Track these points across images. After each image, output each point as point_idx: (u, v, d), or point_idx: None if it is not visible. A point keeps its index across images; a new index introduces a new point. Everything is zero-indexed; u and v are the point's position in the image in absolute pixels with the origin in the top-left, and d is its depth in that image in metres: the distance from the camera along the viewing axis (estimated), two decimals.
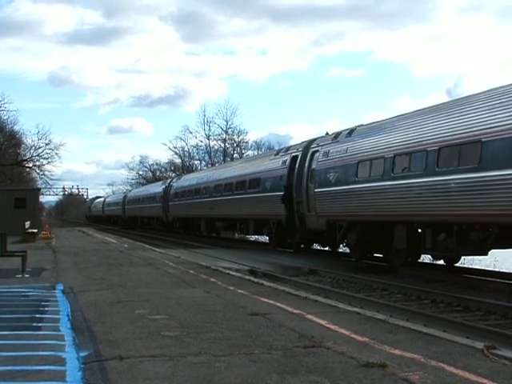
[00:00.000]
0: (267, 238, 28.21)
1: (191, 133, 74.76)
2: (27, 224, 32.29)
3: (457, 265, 17.42)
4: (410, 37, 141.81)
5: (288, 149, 26.07)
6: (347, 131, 20.29)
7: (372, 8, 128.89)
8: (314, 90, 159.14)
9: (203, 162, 75.41)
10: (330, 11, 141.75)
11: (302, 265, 18.40)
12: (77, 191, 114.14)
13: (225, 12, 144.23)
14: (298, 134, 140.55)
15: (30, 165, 62.40)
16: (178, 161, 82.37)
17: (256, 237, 36.93)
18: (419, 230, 16.23)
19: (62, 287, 11.86)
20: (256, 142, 74.13)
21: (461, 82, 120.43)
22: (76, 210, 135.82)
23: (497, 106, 13.13)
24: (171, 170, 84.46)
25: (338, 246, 22.46)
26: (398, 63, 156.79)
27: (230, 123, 71.03)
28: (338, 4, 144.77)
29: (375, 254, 19.49)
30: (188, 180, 42.49)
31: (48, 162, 60.01)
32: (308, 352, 6.26)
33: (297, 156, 23.55)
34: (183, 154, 79.43)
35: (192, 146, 76.30)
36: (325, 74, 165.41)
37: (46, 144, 59.35)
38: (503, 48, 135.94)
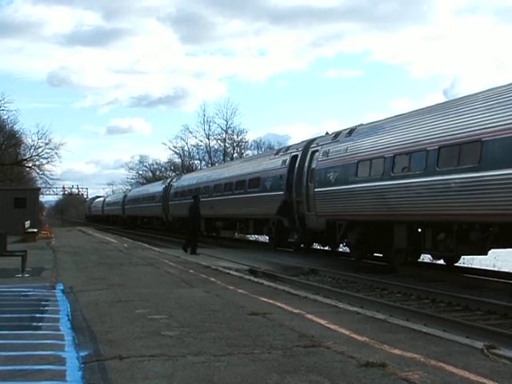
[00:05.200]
0: (267, 237, 28.19)
1: (191, 132, 74.84)
2: (27, 224, 32.31)
3: (457, 264, 17.41)
4: (408, 38, 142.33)
5: (288, 148, 26.06)
6: (347, 131, 20.28)
7: (369, 10, 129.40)
8: (313, 91, 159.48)
9: (203, 162, 75.48)
10: (328, 13, 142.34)
11: (302, 264, 18.39)
12: (76, 191, 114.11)
13: (223, 13, 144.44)
14: (297, 134, 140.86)
15: (30, 164, 62.42)
16: (177, 160, 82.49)
17: (256, 236, 36.92)
18: (419, 230, 16.22)
19: (61, 287, 11.86)
20: (256, 142, 74.21)
21: (457, 83, 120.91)
22: (76, 210, 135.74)
23: (497, 105, 13.12)
24: (171, 170, 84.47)
25: (338, 246, 22.45)
26: (395, 64, 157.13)
27: (229, 123, 71.12)
28: (336, 6, 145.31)
29: (375, 254, 19.48)
30: (188, 180, 42.46)
31: (48, 162, 60.03)
32: (308, 351, 6.25)
33: (297, 156, 23.53)
34: (183, 153, 79.53)
35: (192, 145, 76.39)
36: (323, 74, 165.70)
37: (46, 144, 59.37)
38: (500, 49, 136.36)
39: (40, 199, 64.92)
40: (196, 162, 78.23)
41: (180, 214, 42.38)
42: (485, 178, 12.92)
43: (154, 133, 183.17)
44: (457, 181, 13.79)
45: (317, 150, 21.66)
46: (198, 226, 24.39)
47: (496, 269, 18.70)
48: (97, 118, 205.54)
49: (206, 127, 72.95)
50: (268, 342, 6.73)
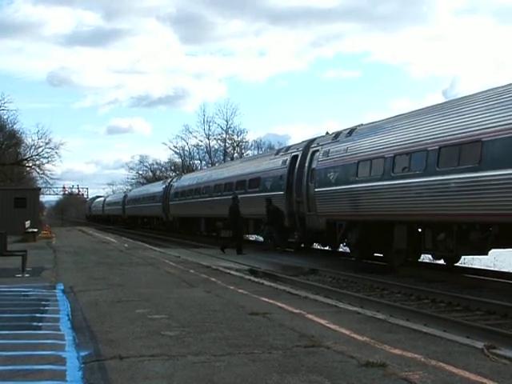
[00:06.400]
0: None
1: (191, 132, 74.90)
2: (27, 223, 32.33)
3: (457, 264, 17.41)
4: (407, 38, 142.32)
5: (288, 148, 26.05)
6: (347, 131, 20.28)
7: (369, 10, 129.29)
8: (313, 91, 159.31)
9: (203, 162, 75.54)
10: (327, 13, 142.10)
11: (302, 264, 18.38)
12: (77, 191, 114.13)
13: (223, 14, 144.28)
14: (297, 134, 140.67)
15: (30, 164, 62.46)
16: (178, 160, 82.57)
17: (256, 236, 36.89)
18: (419, 230, 16.22)
19: (62, 287, 11.87)
20: (256, 142, 74.31)
21: (457, 83, 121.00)
22: (76, 210, 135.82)
23: (497, 105, 13.12)
24: (171, 170, 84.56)
25: (338, 246, 22.43)
26: (395, 64, 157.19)
27: (230, 123, 71.17)
28: (335, 6, 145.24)
29: (375, 254, 19.48)
30: (188, 180, 42.46)
31: (48, 162, 60.11)
32: (308, 351, 6.25)
33: (297, 156, 23.53)
34: (183, 153, 79.59)
35: (192, 145, 76.47)
36: (323, 74, 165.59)
37: (46, 143, 59.46)
38: (499, 49, 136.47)
39: (40, 199, 64.95)
40: (196, 162, 78.46)
41: (180, 214, 42.45)
42: (485, 178, 12.91)
43: (154, 133, 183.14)
44: (457, 181, 13.79)
45: (317, 150, 21.65)
46: (239, 226, 24.40)
47: (496, 269, 18.69)
48: (97, 118, 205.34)
49: (206, 127, 73.11)
50: (268, 341, 6.73)
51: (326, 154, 20.61)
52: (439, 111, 15.47)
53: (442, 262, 17.51)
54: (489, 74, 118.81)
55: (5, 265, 16.10)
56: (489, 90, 14.24)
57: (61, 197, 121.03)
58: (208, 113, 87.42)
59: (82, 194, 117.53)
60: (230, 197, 25.78)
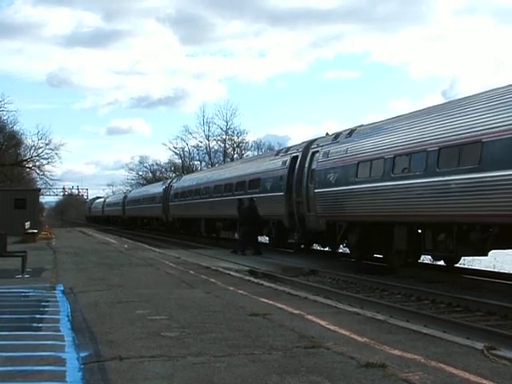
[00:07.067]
0: (267, 238, 28.20)
1: (190, 133, 74.87)
2: (27, 224, 32.27)
3: (457, 265, 17.41)
4: (407, 39, 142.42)
5: (288, 149, 26.07)
6: (347, 132, 20.28)
7: (368, 11, 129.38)
8: (313, 92, 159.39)
9: (203, 163, 75.52)
10: (327, 14, 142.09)
11: (302, 265, 18.39)
12: (77, 191, 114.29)
13: (223, 15, 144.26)
14: (297, 134, 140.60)
15: (30, 165, 62.45)
16: (178, 161, 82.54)
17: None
18: (419, 231, 16.22)
19: (61, 287, 11.86)
20: (256, 143, 74.28)
21: (456, 84, 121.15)
22: (76, 211, 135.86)
23: (497, 106, 13.12)
24: (171, 171, 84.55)
25: (338, 247, 22.44)
26: (395, 65, 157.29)
27: (229, 123, 71.15)
28: (335, 7, 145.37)
29: (375, 255, 19.48)
30: (188, 180, 42.47)
31: (48, 162, 60.06)
32: (308, 352, 6.25)
33: (297, 156, 23.54)
34: (183, 154, 79.57)
35: (192, 146, 76.43)
36: (323, 75, 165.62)
37: (46, 144, 59.41)
38: (499, 49, 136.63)
39: (40, 200, 64.95)
40: (196, 162, 78.39)
41: (180, 215, 42.45)
42: (485, 179, 12.91)
43: (154, 133, 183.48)
44: (457, 182, 13.79)
45: (317, 151, 21.66)
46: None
47: (496, 270, 18.70)
48: (97, 119, 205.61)
49: (206, 128, 73.06)
50: (268, 342, 6.73)
51: (326, 154, 20.62)
52: (439, 112, 15.48)
53: (441, 262, 17.51)
54: (489, 74, 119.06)
55: (5, 266, 16.09)
56: (488, 91, 14.25)
57: (61, 198, 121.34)
58: (208, 113, 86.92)
59: (82, 195, 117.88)
60: (242, 197, 25.78)
